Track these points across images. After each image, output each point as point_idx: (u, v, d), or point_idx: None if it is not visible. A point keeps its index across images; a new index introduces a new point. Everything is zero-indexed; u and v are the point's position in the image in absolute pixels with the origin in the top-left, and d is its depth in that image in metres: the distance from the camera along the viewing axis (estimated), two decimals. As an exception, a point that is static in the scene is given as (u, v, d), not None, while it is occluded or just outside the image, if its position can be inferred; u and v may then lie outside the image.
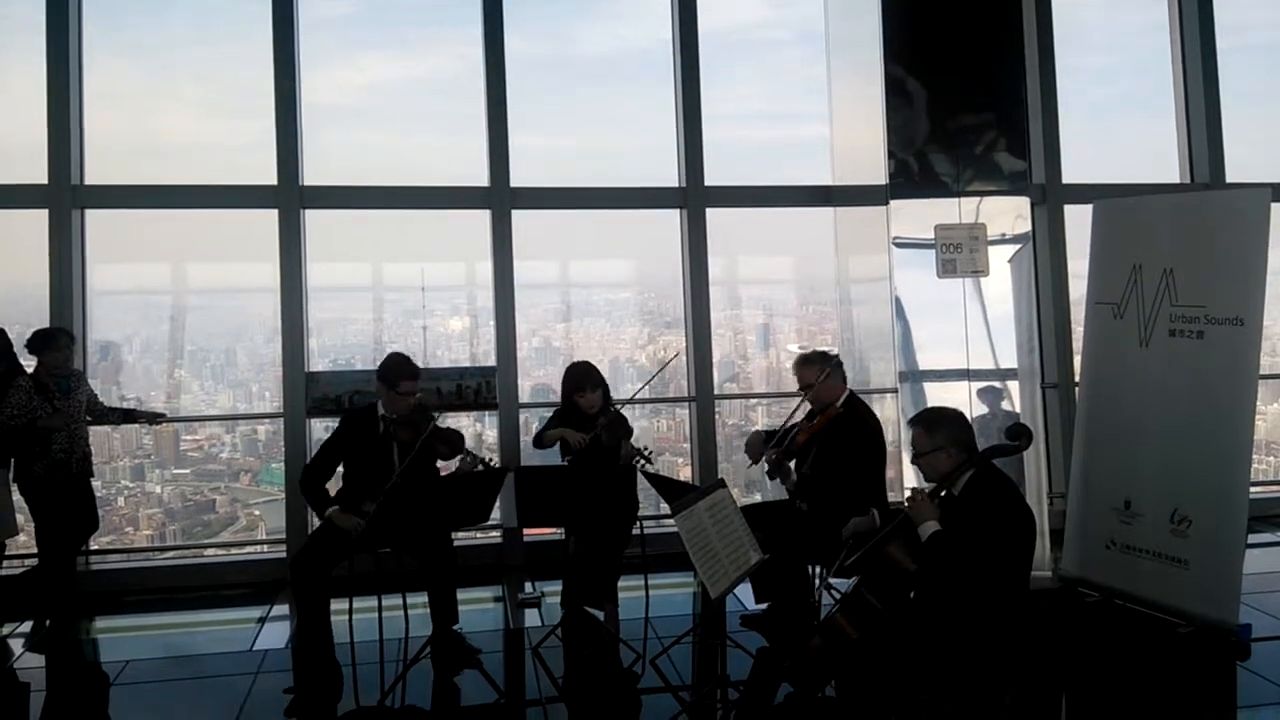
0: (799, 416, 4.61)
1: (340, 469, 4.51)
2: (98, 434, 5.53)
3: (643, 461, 4.66)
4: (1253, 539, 5.44)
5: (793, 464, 4.55)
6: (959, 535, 3.20)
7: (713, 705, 3.83)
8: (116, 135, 5.89)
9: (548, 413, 5.11)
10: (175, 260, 6.23)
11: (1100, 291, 5.06)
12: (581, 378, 4.81)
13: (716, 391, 6.24)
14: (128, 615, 5.14)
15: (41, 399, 4.80)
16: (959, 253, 5.55)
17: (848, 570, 3.76)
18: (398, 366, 4.43)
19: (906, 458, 5.53)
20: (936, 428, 3.41)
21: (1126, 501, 4.79)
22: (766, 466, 4.55)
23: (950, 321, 5.51)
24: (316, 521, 4.48)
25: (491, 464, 4.50)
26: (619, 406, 4.92)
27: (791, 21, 6.91)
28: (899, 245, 5.61)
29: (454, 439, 4.48)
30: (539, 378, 6.45)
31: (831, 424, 4.39)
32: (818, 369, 4.47)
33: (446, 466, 4.63)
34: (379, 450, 4.40)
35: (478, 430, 6.26)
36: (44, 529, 4.87)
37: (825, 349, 4.71)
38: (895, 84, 5.65)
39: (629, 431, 4.88)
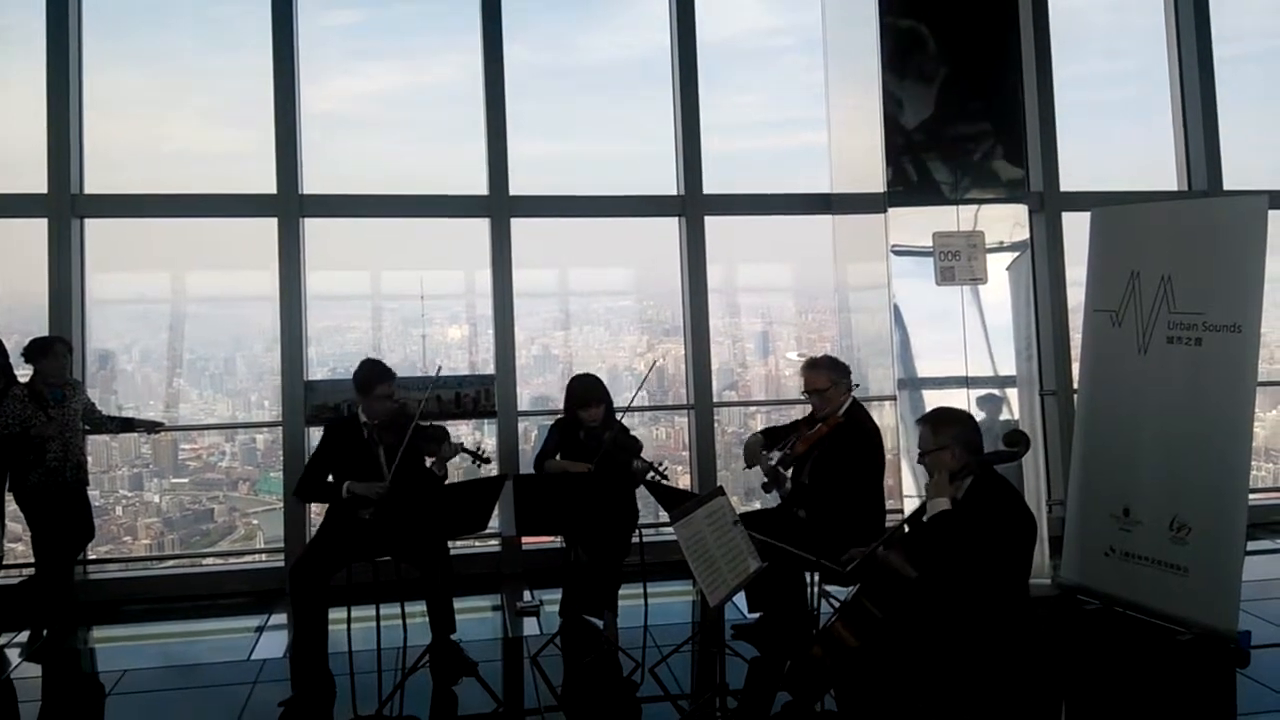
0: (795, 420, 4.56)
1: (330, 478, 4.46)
2: (96, 443, 5.53)
3: (657, 477, 4.53)
4: (1252, 546, 5.44)
5: (789, 472, 4.50)
6: (960, 541, 3.20)
7: (711, 714, 3.82)
8: (116, 144, 5.90)
9: (546, 421, 5.07)
10: (174, 269, 6.23)
11: (1098, 299, 5.07)
12: (586, 392, 4.73)
13: (715, 399, 6.24)
14: (125, 625, 5.13)
15: (36, 408, 4.80)
16: (957, 260, 5.56)
17: (847, 578, 3.76)
18: (370, 372, 4.40)
19: (906, 465, 5.53)
20: (943, 426, 3.41)
21: (1125, 509, 4.79)
22: (764, 477, 4.50)
23: (949, 329, 5.52)
24: (315, 529, 4.45)
25: (482, 452, 4.46)
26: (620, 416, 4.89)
27: (791, 29, 6.93)
28: (897, 253, 5.62)
29: (438, 434, 4.46)
30: (538, 386, 6.44)
31: (833, 432, 4.35)
32: (826, 375, 4.42)
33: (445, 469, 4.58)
34: (366, 457, 4.37)
35: (477, 439, 6.24)
36: (40, 538, 4.87)
37: (834, 355, 4.64)
38: (893, 92, 5.67)
39: (638, 448, 4.74)
